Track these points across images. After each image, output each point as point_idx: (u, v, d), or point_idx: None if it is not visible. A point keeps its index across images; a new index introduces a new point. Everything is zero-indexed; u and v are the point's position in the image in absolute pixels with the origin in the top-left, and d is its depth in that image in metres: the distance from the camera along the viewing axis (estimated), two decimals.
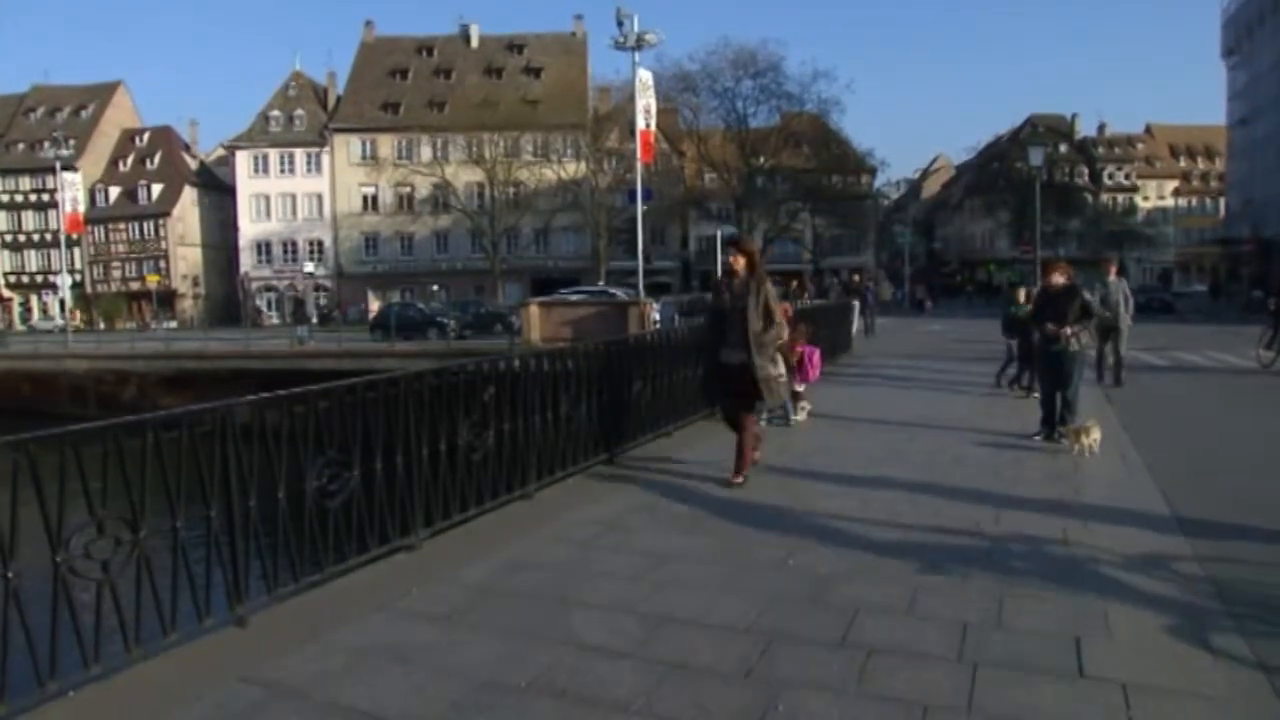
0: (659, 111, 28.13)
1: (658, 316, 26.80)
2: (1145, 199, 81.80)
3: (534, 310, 29.17)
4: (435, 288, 56.65)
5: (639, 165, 25.07)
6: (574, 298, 35.09)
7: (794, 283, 38.87)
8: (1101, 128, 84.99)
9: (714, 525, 6.07)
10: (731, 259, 7.18)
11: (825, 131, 58.66)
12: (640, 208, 24.94)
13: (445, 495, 5.73)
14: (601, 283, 46.98)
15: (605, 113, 60.72)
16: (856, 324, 22.22)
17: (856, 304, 23.72)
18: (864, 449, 8.86)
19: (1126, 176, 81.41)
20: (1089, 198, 77.04)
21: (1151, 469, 7.73)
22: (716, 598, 4.64)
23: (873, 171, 65.01)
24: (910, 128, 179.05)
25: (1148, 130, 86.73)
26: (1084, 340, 9.45)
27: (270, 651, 4.07)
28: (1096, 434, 8.31)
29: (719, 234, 34.00)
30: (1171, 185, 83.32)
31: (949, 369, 16.42)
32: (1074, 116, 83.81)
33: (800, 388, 10.40)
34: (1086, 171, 79.64)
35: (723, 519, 6.19)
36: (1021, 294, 14.38)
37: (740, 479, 7.08)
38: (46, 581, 3.70)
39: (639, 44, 24.00)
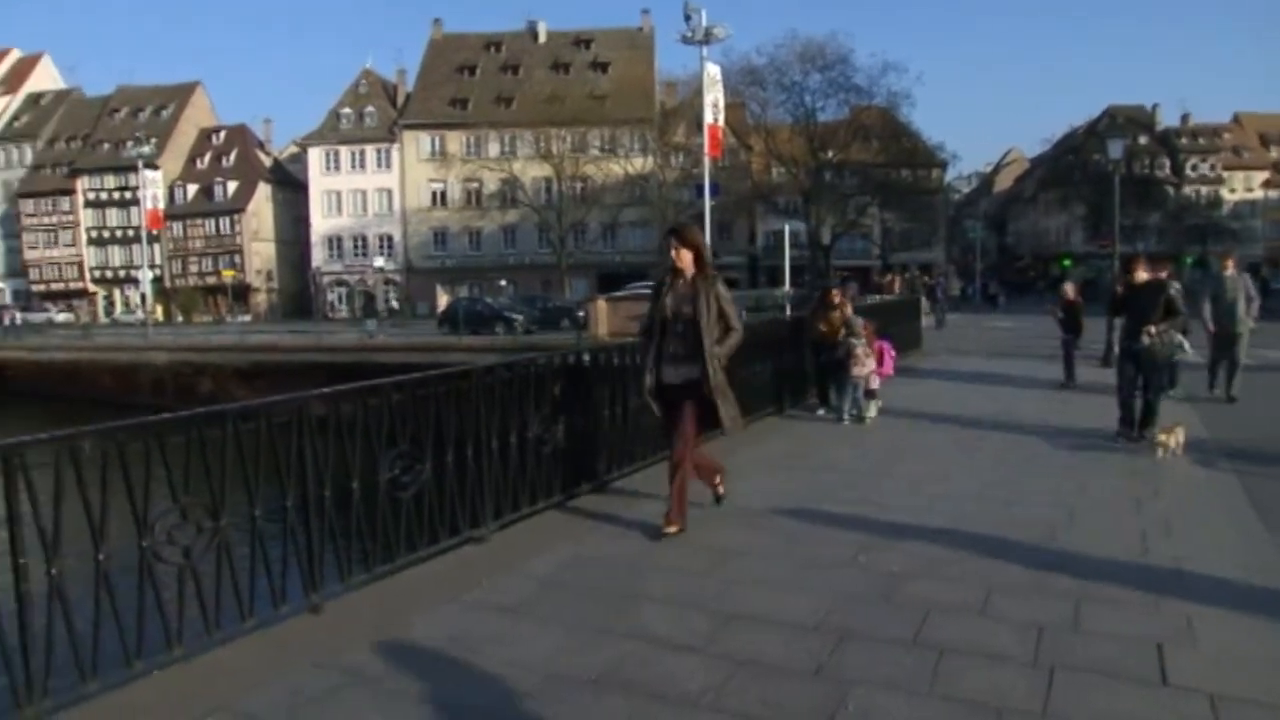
0: (726, 106, 27.93)
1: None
2: (1232, 191, 78.84)
3: (601, 305, 29.27)
4: (502, 282, 57.12)
5: (706, 160, 24.96)
6: (646, 291, 34.95)
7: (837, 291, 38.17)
8: (1185, 118, 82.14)
9: (780, 522, 6.02)
10: (674, 253, 5.76)
11: (895, 125, 57.72)
12: (708, 203, 24.81)
13: (515, 488, 5.78)
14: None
15: (672, 108, 60.57)
16: (926, 320, 21.92)
17: (925, 300, 23.40)
18: (934, 446, 8.73)
19: (1211, 168, 78.54)
20: (1170, 190, 74.66)
21: (1239, 473, 7.44)
22: (784, 595, 4.61)
23: (943, 165, 63.85)
24: (982, 121, 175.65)
25: (1236, 119, 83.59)
26: (1172, 339, 9.14)
27: (344, 639, 4.14)
28: (1181, 435, 8.05)
29: (786, 229, 33.71)
30: (1261, 177, 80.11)
31: (1021, 365, 16.07)
32: (1155, 106, 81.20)
33: (875, 384, 10.29)
34: (1168, 163, 77.09)
35: (789, 516, 6.14)
36: (1069, 289, 13.97)
37: (674, 528, 5.60)
38: (133, 566, 3.83)
39: (707, 38, 23.89)
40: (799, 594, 4.61)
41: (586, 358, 6.78)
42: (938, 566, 5.01)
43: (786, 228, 34.99)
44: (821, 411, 10.48)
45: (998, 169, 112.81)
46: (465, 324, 35.25)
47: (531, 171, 60.50)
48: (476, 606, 4.56)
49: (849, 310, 10.63)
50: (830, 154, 57.03)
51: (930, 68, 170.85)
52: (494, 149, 62.74)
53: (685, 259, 5.71)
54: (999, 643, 3.95)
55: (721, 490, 6.30)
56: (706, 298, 5.61)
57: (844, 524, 5.92)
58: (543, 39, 70.14)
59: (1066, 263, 74.47)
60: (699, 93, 24.67)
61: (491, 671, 3.81)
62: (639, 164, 58.79)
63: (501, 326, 35.13)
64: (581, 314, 32.34)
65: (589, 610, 4.48)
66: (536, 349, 26.45)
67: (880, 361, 10.54)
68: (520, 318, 35.59)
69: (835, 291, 11.05)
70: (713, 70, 24.25)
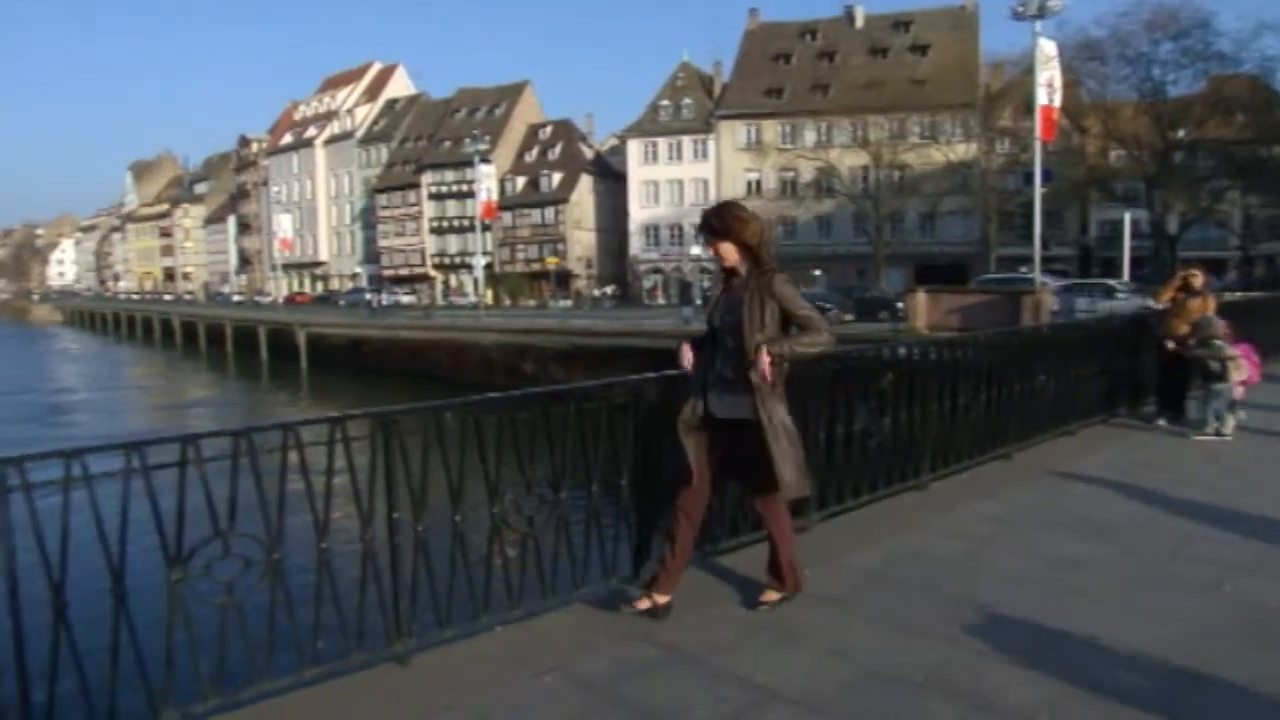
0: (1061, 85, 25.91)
1: (1056, 306, 24.85)
2: None
3: (920, 297, 28.28)
4: (816, 272, 56.66)
5: (1037, 144, 23.47)
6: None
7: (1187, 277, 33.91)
8: None
9: (1124, 536, 5.51)
10: (711, 248, 4.29)
11: (1267, 95, 50.73)
12: (1038, 190, 23.32)
13: (839, 480, 5.69)
14: (1028, 270, 42.65)
15: (998, 90, 57.15)
16: None
17: None
18: None
19: None
20: None
21: None
22: (1128, 617, 4.21)
23: None
24: None
25: None
26: None
27: (669, 616, 4.25)
28: None
29: (1126, 217, 30.88)
30: None
31: None
32: None
33: (1239, 394, 9.02)
34: None
35: (1134, 531, 5.60)
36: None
37: (774, 597, 4.42)
38: (480, 529, 4.17)
39: (1041, 12, 22.39)
40: (1145, 618, 4.19)
41: (916, 351, 6.52)
42: None
43: (1126, 216, 32.18)
44: (1161, 421, 9.29)
45: None
46: None
47: (848, 160, 59.52)
48: (799, 595, 4.51)
49: (1211, 306, 9.37)
50: (1181, 133, 51.26)
51: None
52: (810, 138, 62.38)
53: (727, 253, 4.22)
54: None
55: (770, 600, 4.41)
56: (755, 301, 4.12)
57: (1199, 543, 5.33)
58: (860, 24, 68.65)
59: None
60: (1029, 72, 23.19)
61: (813, 661, 3.78)
62: (961, 150, 56.04)
63: None
64: (900, 305, 31.36)
65: (911, 608, 4.35)
66: (850, 340, 26.03)
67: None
68: (833, 308, 35.05)
69: (1195, 274, 9.45)
70: (1047, 47, 22.70)
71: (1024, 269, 33.83)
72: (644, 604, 4.25)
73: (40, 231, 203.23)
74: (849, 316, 33.87)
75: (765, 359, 4.03)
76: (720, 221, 4.20)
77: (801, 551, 5.14)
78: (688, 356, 4.32)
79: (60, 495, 3.20)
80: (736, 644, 3.97)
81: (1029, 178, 26.14)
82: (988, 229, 54.07)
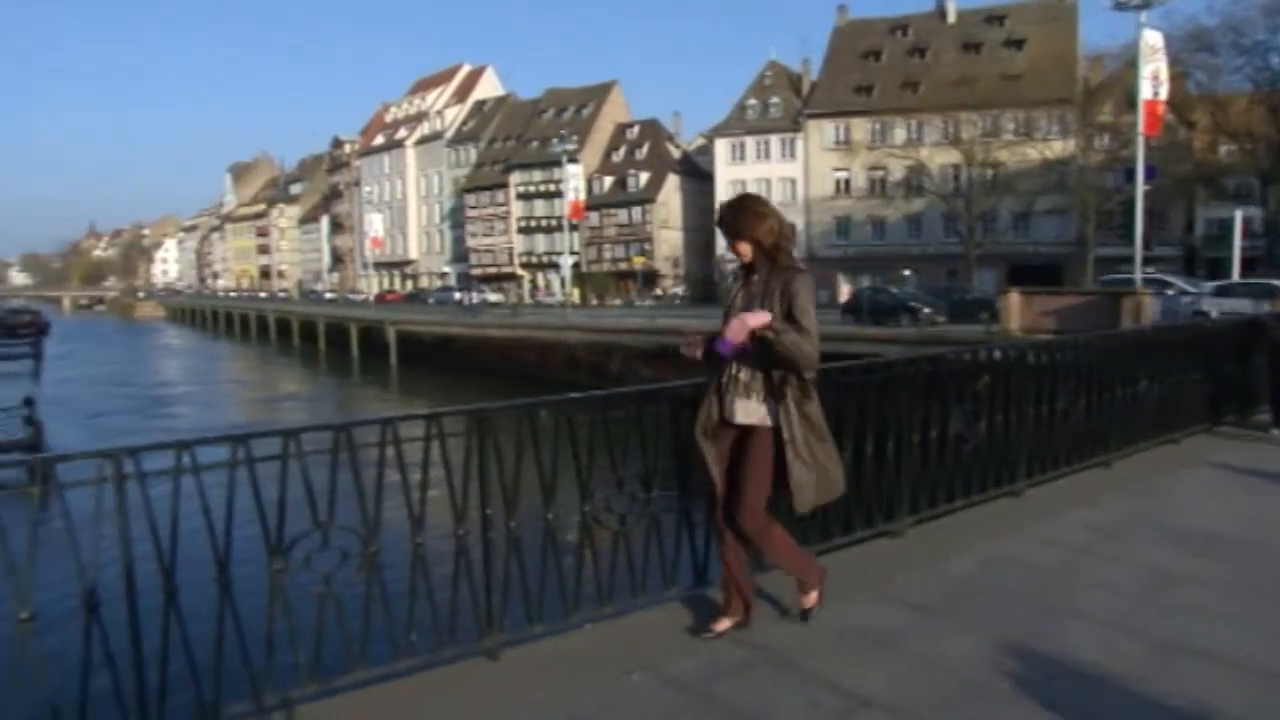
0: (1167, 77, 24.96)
1: (1158, 309, 23.98)
2: None
3: (1014, 298, 27.58)
4: (906, 272, 55.66)
5: (1140, 140, 22.67)
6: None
7: None
8: None
9: (1234, 550, 5.26)
10: (733, 247, 4.06)
11: None
12: (1140, 187, 22.53)
13: (932, 484, 5.58)
14: (1154, 270, 40.25)
15: (1097, 84, 55.35)
16: None
17: None
18: None
19: None
20: None
21: None
22: (1244, 635, 4.02)
23: None
24: None
25: None
26: None
27: (756, 617, 4.21)
28: None
29: (1237, 216, 29.56)
30: None
31: None
32: None
33: None
34: None
35: (1245, 546, 5.36)
36: None
37: (811, 599, 4.23)
38: (571, 527, 4.19)
39: (1145, 2, 21.59)
40: (1264, 637, 4.00)
41: (1013, 353, 6.35)
42: None
43: (1237, 214, 30.76)
44: (1276, 431, 8.85)
45: None
46: (869, 314, 34.82)
47: (939, 158, 58.27)
48: (890, 600, 4.47)
49: None
50: None
51: None
52: (900, 136, 61.32)
53: (743, 251, 4.00)
54: None
55: (811, 603, 4.24)
56: (769, 300, 3.88)
57: None
58: (952, 19, 67.20)
59: None
60: (1131, 65, 22.39)
61: (906, 669, 3.71)
62: (1057, 147, 54.32)
63: (906, 317, 34.20)
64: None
65: (1007, 618, 4.22)
66: (943, 342, 25.68)
67: None
68: (928, 309, 34.39)
69: None
70: (1152, 38, 21.93)
71: (1150, 269, 32.55)
72: (721, 626, 4.09)
73: (146, 232, 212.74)
74: (942, 318, 33.23)
75: (756, 319, 3.78)
76: (734, 220, 3.98)
77: (893, 556, 5.08)
78: (697, 346, 4.08)
79: (169, 484, 3.32)
80: (828, 647, 3.92)
81: (1130, 175, 25.22)
82: (1085, 228, 52.31)
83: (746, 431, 3.94)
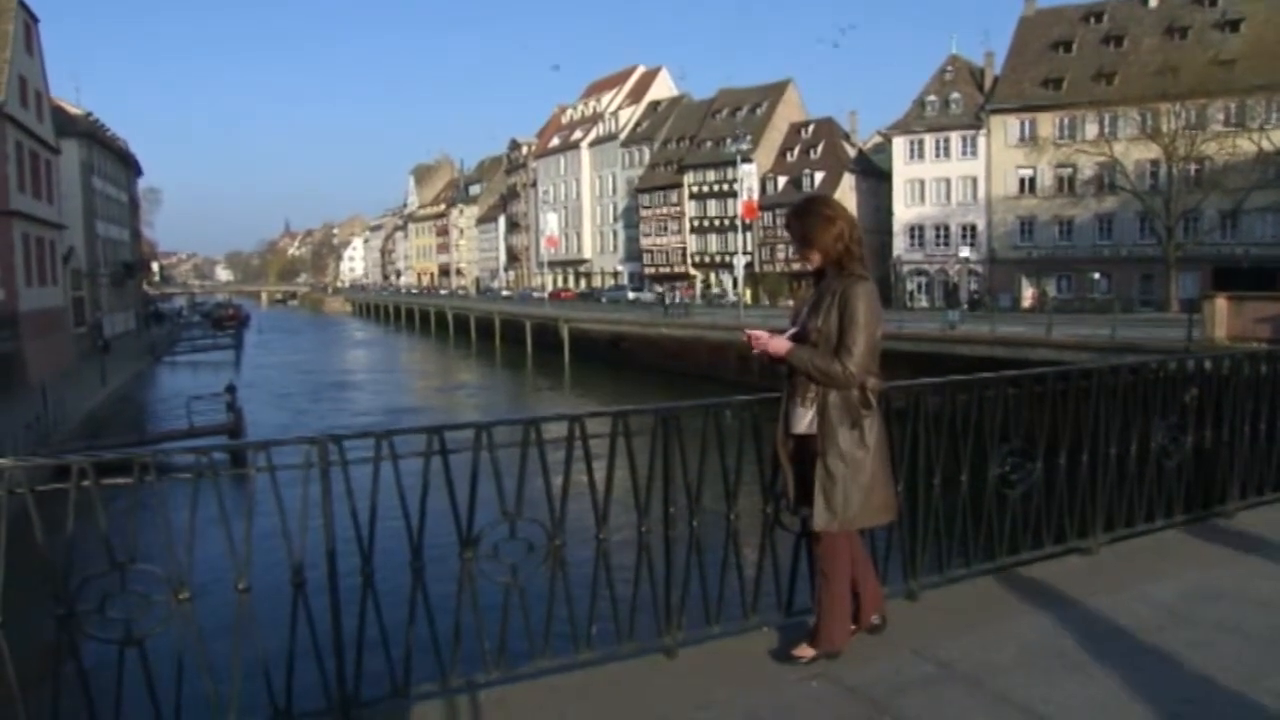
0: None
1: None
2: None
3: (1220, 303, 25.64)
4: (1095, 275, 52.67)
5: None
6: None
7: None
8: None
9: None
10: (801, 254, 3.91)
11: None
12: None
13: (1130, 501, 5.26)
14: None
15: None
16: None
17: None
18: None
19: None
20: None
21: None
22: None
23: None
24: None
25: None
26: None
27: (940, 630, 4.12)
28: None
29: None
30: None
31: None
32: None
33: None
34: None
35: None
36: None
37: (809, 653, 3.86)
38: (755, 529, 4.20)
39: None
40: None
41: (1227, 363, 5.88)
42: None
43: None
44: None
45: None
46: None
47: (1135, 153, 54.72)
48: (1082, 620, 4.22)
49: None
50: None
51: None
52: (1091, 130, 57.76)
53: (810, 257, 3.85)
54: None
55: (804, 656, 3.86)
56: (828, 309, 3.71)
57: None
58: (1154, 3, 62.79)
59: None
60: None
61: (1100, 694, 3.51)
62: (1277, 138, 49.87)
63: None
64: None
65: (1217, 654, 3.87)
66: (1135, 349, 24.15)
67: None
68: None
69: None
70: None
71: None
72: (805, 651, 3.85)
73: (335, 231, 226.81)
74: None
75: (778, 344, 3.75)
76: (800, 225, 3.82)
77: (1087, 575, 4.81)
78: (762, 338, 3.84)
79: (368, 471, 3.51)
80: (1017, 667, 3.76)
81: None
82: None
83: (807, 442, 3.79)
